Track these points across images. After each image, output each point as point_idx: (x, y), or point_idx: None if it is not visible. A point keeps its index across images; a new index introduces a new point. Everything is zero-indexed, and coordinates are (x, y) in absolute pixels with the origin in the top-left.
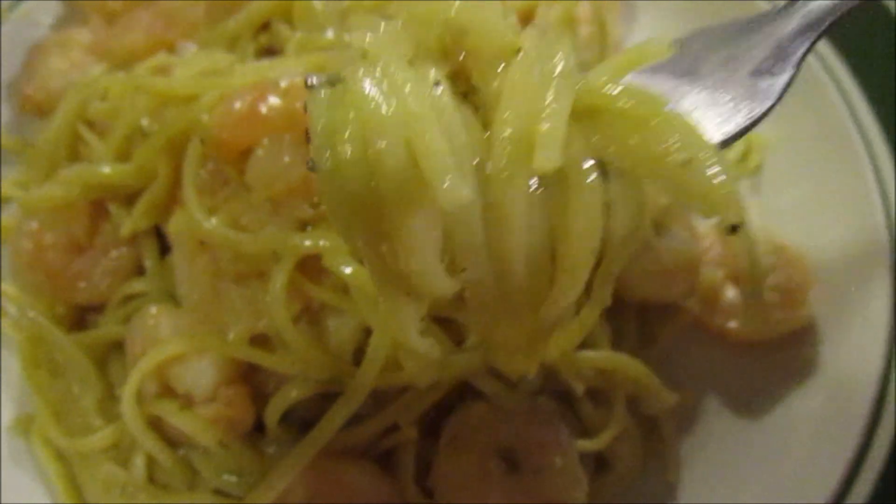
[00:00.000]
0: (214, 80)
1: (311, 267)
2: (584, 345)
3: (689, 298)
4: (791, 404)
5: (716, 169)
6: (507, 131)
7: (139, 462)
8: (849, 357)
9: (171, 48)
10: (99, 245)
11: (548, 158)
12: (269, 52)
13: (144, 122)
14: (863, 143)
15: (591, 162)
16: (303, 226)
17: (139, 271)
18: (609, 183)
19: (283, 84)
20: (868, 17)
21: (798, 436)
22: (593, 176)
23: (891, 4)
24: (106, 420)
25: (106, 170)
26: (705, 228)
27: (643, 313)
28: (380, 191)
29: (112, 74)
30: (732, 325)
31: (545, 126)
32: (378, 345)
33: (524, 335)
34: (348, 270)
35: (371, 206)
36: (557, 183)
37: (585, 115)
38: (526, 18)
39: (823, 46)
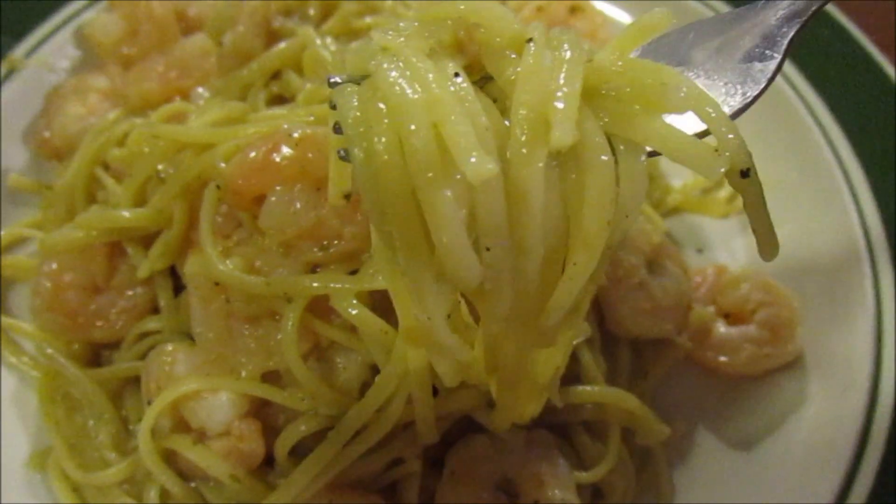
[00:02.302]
0: (230, 129)
1: (320, 307)
2: (581, 380)
3: (681, 334)
4: (780, 436)
5: (722, 119)
6: (524, 112)
7: (153, 494)
8: (835, 390)
9: (185, 95)
10: (115, 285)
11: (563, 135)
12: (280, 99)
13: (160, 167)
14: (847, 186)
15: (603, 138)
16: (312, 268)
17: (154, 310)
18: (617, 156)
19: (295, 135)
20: (855, 65)
21: (787, 466)
22: (606, 151)
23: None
24: (120, 454)
25: (125, 214)
26: (696, 266)
27: (636, 349)
28: (411, 173)
29: (129, 120)
30: (723, 359)
31: (559, 105)
32: (383, 381)
33: (530, 341)
34: (354, 312)
35: (403, 189)
36: (572, 160)
37: (595, 94)
38: None
39: (812, 98)
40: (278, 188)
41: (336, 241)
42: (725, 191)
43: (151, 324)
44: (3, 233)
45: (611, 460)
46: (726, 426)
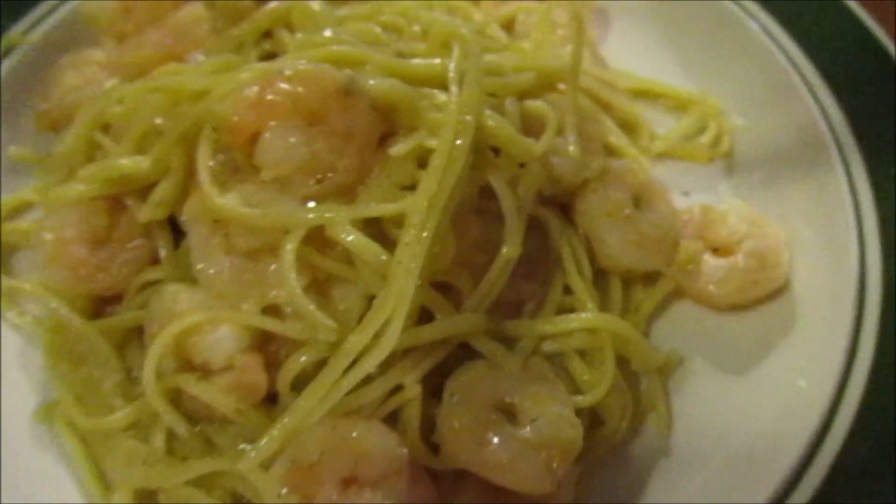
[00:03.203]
0: (225, 75)
1: (317, 240)
2: (573, 308)
3: (671, 266)
4: (771, 359)
5: None
6: None
7: (159, 437)
8: (823, 313)
9: (180, 60)
10: (117, 237)
11: None
12: (272, 56)
13: (158, 120)
14: (826, 126)
15: None
16: (308, 202)
17: (155, 262)
18: None
19: (287, 72)
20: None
21: (778, 387)
22: None
23: None
24: (126, 401)
25: (124, 162)
26: (683, 207)
27: (627, 282)
28: None
29: (127, 84)
30: (713, 289)
31: None
32: (380, 304)
33: None
34: (350, 238)
35: None
36: None
37: None
38: (507, 26)
39: (791, 46)
40: (273, 124)
41: (330, 175)
42: (707, 136)
43: (153, 273)
44: (5, 199)
45: (606, 383)
46: (719, 353)
